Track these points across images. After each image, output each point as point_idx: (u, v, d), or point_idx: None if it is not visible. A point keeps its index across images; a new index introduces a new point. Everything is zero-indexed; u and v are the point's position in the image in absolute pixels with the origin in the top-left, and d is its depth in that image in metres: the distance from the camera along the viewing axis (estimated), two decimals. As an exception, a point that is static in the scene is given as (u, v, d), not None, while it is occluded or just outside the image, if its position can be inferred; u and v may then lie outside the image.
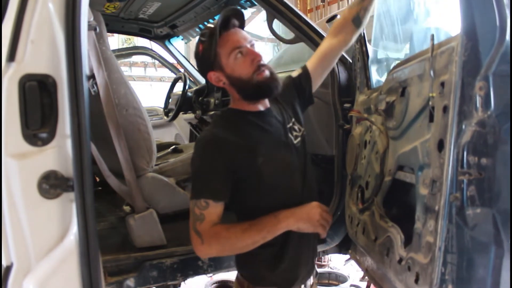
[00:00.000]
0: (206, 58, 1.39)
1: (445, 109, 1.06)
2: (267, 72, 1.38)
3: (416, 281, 1.16)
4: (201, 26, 3.47)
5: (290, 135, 1.48)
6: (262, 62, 1.38)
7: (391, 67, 1.62)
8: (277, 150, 1.42)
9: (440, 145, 1.07)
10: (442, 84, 1.09)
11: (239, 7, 2.98)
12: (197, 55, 1.42)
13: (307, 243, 1.47)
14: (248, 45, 1.38)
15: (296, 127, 1.52)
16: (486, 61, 0.96)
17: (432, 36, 1.14)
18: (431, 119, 1.15)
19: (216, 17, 3.16)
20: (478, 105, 0.97)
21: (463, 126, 0.99)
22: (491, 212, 0.97)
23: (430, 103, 1.14)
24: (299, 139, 1.50)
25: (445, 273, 1.04)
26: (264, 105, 1.47)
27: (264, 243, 1.32)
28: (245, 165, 1.36)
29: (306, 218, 1.34)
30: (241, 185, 1.37)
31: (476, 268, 1.00)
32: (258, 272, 1.43)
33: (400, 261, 1.29)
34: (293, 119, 1.53)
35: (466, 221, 1.00)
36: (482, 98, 0.96)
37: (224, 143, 1.34)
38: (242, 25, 1.43)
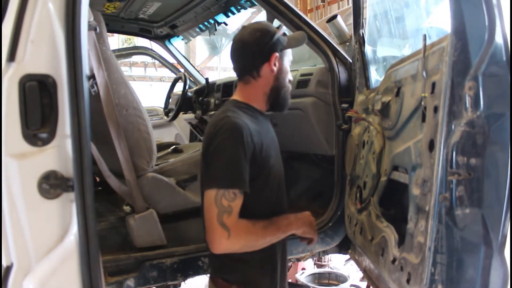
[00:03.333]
0: (281, 44, 1.48)
1: (436, 109, 1.06)
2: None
3: (408, 281, 1.17)
4: (201, 26, 3.47)
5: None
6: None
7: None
8: (278, 156, 1.49)
9: (431, 145, 1.07)
10: (433, 84, 1.09)
11: (238, 8, 2.99)
12: (279, 35, 1.48)
13: (283, 255, 1.54)
14: None
15: None
16: (476, 61, 0.97)
17: (424, 36, 1.14)
18: (423, 119, 1.15)
19: (216, 17, 3.16)
20: (467, 105, 0.97)
21: (453, 126, 0.99)
22: (480, 212, 0.97)
23: (423, 103, 1.14)
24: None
25: (435, 273, 1.04)
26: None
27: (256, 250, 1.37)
28: (262, 163, 1.37)
29: (309, 223, 1.50)
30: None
31: (466, 269, 1.01)
32: (254, 276, 1.45)
33: (393, 261, 1.30)
34: None
35: (455, 221, 1.00)
36: (471, 98, 0.97)
37: (253, 134, 1.35)
38: None
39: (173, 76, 4.20)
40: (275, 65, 1.46)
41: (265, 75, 1.47)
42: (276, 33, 1.48)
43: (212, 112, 3.24)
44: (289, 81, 1.55)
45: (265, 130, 1.47)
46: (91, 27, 1.52)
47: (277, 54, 1.46)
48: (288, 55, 1.53)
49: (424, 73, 1.14)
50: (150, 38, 3.90)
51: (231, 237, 1.27)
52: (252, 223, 1.33)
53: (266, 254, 1.42)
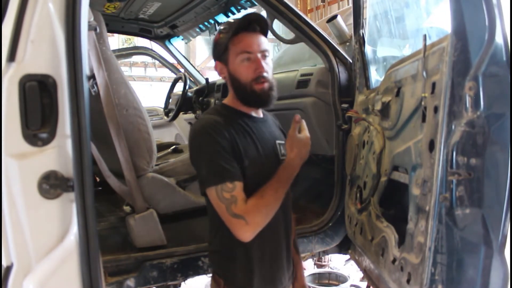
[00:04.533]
0: (218, 48, 1.45)
1: (436, 109, 1.06)
2: (265, 85, 1.41)
3: (408, 281, 1.17)
4: (201, 26, 3.47)
5: (278, 150, 1.50)
6: (264, 74, 1.41)
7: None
8: (261, 158, 1.43)
9: (431, 145, 1.07)
10: (434, 84, 1.09)
11: (237, 7, 2.98)
12: (214, 41, 1.49)
13: (278, 248, 1.49)
14: (259, 54, 1.41)
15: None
16: (476, 61, 0.96)
17: (425, 36, 1.14)
18: (423, 119, 1.15)
19: (216, 17, 3.16)
20: (467, 105, 0.97)
21: (453, 126, 0.99)
22: (480, 212, 0.97)
23: (423, 103, 1.14)
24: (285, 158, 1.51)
25: (435, 273, 1.04)
26: (257, 112, 1.51)
27: (239, 246, 1.35)
28: (236, 160, 1.36)
29: (305, 144, 1.39)
30: None
31: (466, 269, 1.01)
32: (233, 272, 1.44)
33: (394, 261, 1.30)
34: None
35: (455, 221, 1.00)
36: (471, 98, 0.96)
37: (225, 130, 1.36)
38: (264, 32, 1.47)
39: (173, 76, 4.20)
40: (222, 72, 1.47)
41: (225, 80, 1.49)
42: (216, 38, 1.46)
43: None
44: (257, 71, 1.40)
45: (245, 131, 1.42)
46: (91, 27, 1.52)
47: (217, 61, 1.48)
48: (235, 49, 1.41)
49: (424, 73, 1.14)
50: (150, 38, 3.91)
51: (248, 221, 1.29)
52: (260, 195, 1.32)
53: (243, 253, 1.41)
